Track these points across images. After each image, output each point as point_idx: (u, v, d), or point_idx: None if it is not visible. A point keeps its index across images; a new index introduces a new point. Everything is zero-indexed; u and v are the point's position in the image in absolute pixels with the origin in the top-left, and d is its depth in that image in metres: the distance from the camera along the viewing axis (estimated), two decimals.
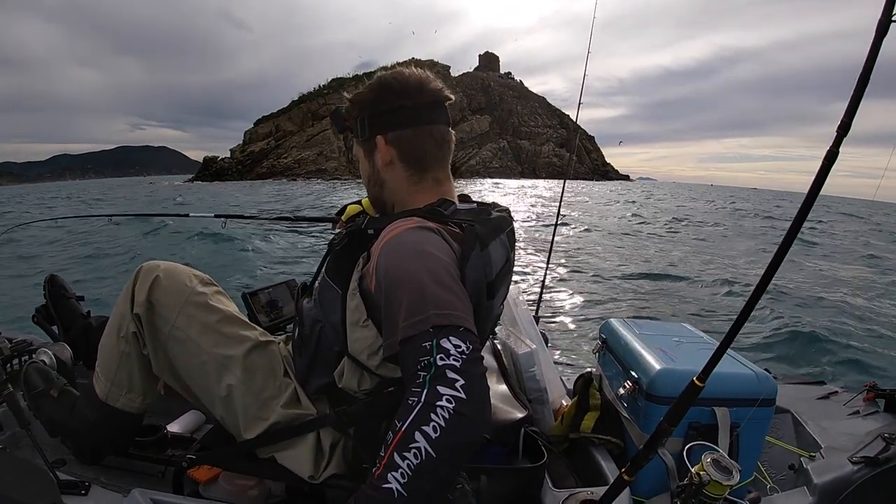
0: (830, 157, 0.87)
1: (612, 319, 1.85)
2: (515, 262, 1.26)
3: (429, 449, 0.76)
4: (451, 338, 0.82)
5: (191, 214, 2.50)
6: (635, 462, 1.14)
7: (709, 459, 1.13)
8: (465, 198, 1.23)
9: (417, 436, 0.76)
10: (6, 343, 1.62)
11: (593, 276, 8.36)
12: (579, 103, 3.05)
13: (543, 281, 2.99)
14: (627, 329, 1.72)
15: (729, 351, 1.07)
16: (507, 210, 1.22)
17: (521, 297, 2.01)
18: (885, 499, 1.46)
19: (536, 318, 2.14)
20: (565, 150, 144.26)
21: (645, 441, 1.13)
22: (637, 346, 1.56)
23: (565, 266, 9.34)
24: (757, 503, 1.32)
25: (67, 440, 1.31)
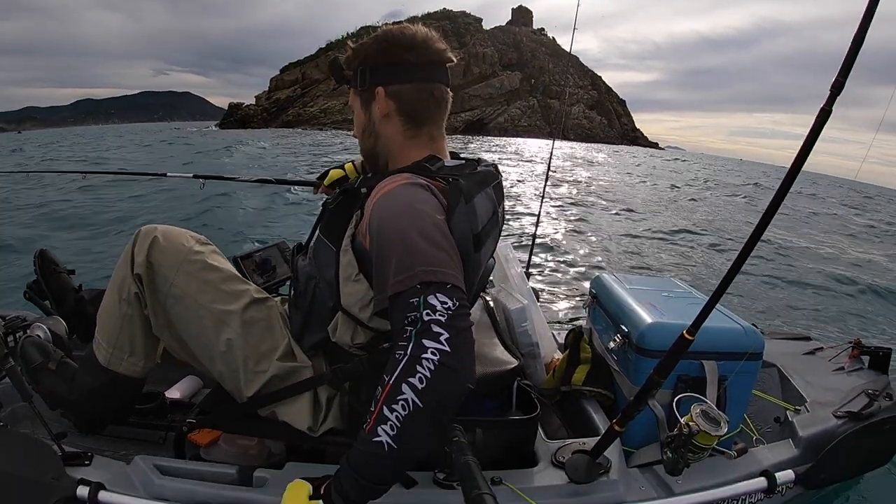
0: (823, 116, 0.86)
1: (602, 274, 1.87)
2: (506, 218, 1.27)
3: (416, 399, 0.79)
4: (438, 294, 0.84)
5: (168, 174, 2.46)
6: (626, 413, 1.18)
7: (698, 410, 1.17)
8: (455, 155, 1.24)
9: (404, 387, 0.79)
10: None
11: (590, 234, 8.33)
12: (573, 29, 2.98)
13: (534, 237, 3.00)
14: (618, 283, 1.73)
15: (718, 306, 1.09)
16: (494, 165, 1.24)
17: (512, 254, 2.02)
18: (868, 452, 1.51)
19: (528, 274, 2.15)
20: (596, 112, 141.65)
21: (635, 393, 1.16)
22: (627, 300, 1.58)
23: (559, 221, 9.31)
24: (743, 454, 1.36)
25: (68, 412, 1.32)
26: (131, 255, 1.22)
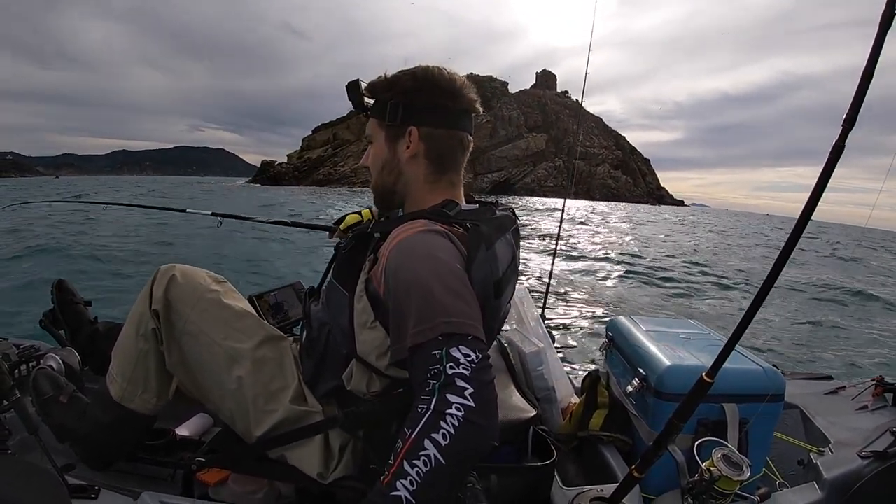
0: (837, 151, 0.86)
1: (618, 317, 1.85)
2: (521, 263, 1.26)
3: (438, 456, 0.76)
4: (460, 346, 0.82)
5: (188, 210, 2.50)
6: (645, 459, 1.14)
7: (719, 455, 1.13)
8: (469, 198, 1.23)
9: (427, 443, 0.76)
10: (13, 349, 1.63)
11: (602, 277, 8.33)
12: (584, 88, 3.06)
13: (549, 279, 3.00)
14: (634, 326, 1.71)
15: (737, 346, 1.07)
16: (511, 209, 1.22)
17: (527, 296, 2.01)
18: (895, 493, 1.45)
19: (542, 317, 2.14)
20: (621, 171, 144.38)
21: (654, 438, 1.13)
22: (644, 342, 1.55)
23: (573, 263, 9.32)
24: (767, 498, 1.31)
25: (77, 445, 1.31)
26: (150, 292, 1.24)
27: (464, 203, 1.17)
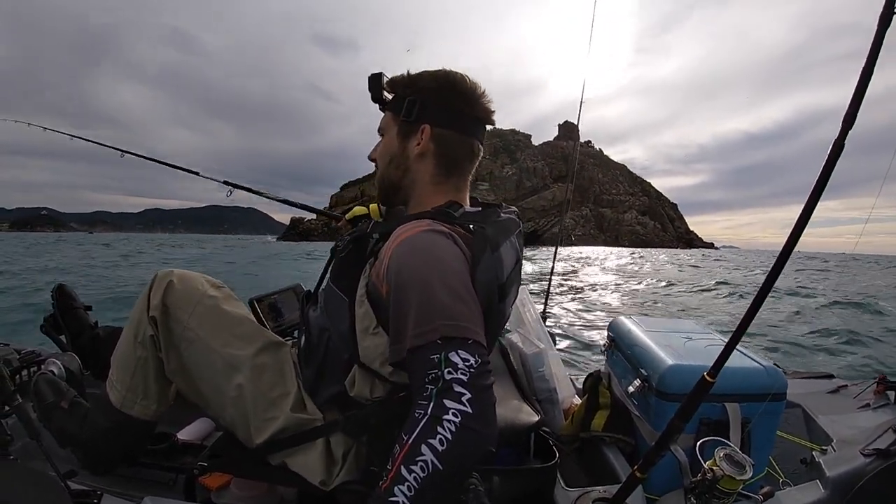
0: (836, 149, 0.87)
1: (619, 317, 1.85)
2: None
3: (435, 462, 0.76)
4: (459, 351, 0.82)
5: (201, 174, 2.51)
6: (647, 459, 1.14)
7: (721, 454, 1.13)
8: (474, 201, 1.22)
9: (424, 448, 0.76)
10: (14, 354, 1.63)
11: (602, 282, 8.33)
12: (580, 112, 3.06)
13: (550, 280, 2.99)
14: (635, 326, 1.71)
15: (738, 346, 1.07)
16: (515, 212, 1.21)
17: (528, 297, 2.01)
18: None
19: (543, 318, 2.14)
20: (648, 217, 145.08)
21: (657, 438, 1.13)
22: (646, 343, 1.55)
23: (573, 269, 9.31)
24: (770, 497, 1.31)
25: (78, 451, 1.31)
26: (147, 298, 1.23)
27: (468, 206, 1.16)
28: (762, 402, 1.30)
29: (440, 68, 1.12)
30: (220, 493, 1.28)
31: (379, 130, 1.21)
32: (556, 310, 6.10)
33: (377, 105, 1.19)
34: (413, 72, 1.14)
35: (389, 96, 1.16)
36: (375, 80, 1.15)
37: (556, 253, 2.98)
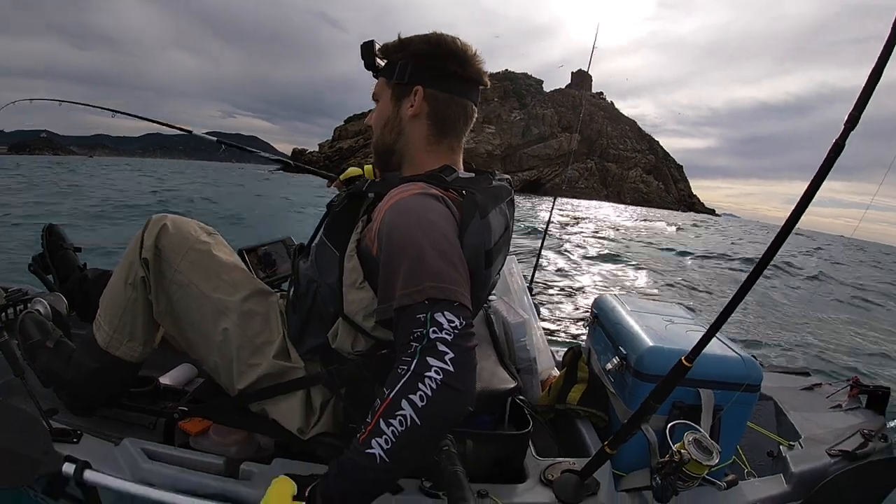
0: (836, 149, 0.86)
1: (605, 294, 1.86)
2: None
3: (414, 417, 0.78)
4: (445, 312, 0.83)
5: (193, 132, 2.53)
6: (618, 436, 1.17)
7: (690, 439, 1.15)
8: (468, 166, 1.23)
9: (404, 403, 0.78)
10: (1, 292, 1.63)
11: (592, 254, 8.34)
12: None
13: (539, 252, 3.00)
14: (620, 305, 1.72)
15: (718, 335, 1.08)
16: (508, 179, 1.23)
17: (516, 267, 2.02)
18: (858, 493, 1.49)
19: (530, 288, 2.15)
20: (653, 176, 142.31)
21: (629, 416, 1.15)
22: (628, 322, 1.57)
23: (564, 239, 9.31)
24: (734, 485, 1.34)
25: (61, 391, 1.32)
26: (141, 240, 1.24)
27: (462, 171, 1.18)
28: (736, 391, 1.32)
29: (431, 32, 1.13)
30: (199, 438, 1.30)
31: (374, 97, 1.22)
32: (543, 276, 6.12)
33: (371, 71, 1.19)
34: (404, 36, 1.15)
35: (382, 63, 1.15)
36: (367, 48, 1.14)
37: (545, 231, 2.99)
